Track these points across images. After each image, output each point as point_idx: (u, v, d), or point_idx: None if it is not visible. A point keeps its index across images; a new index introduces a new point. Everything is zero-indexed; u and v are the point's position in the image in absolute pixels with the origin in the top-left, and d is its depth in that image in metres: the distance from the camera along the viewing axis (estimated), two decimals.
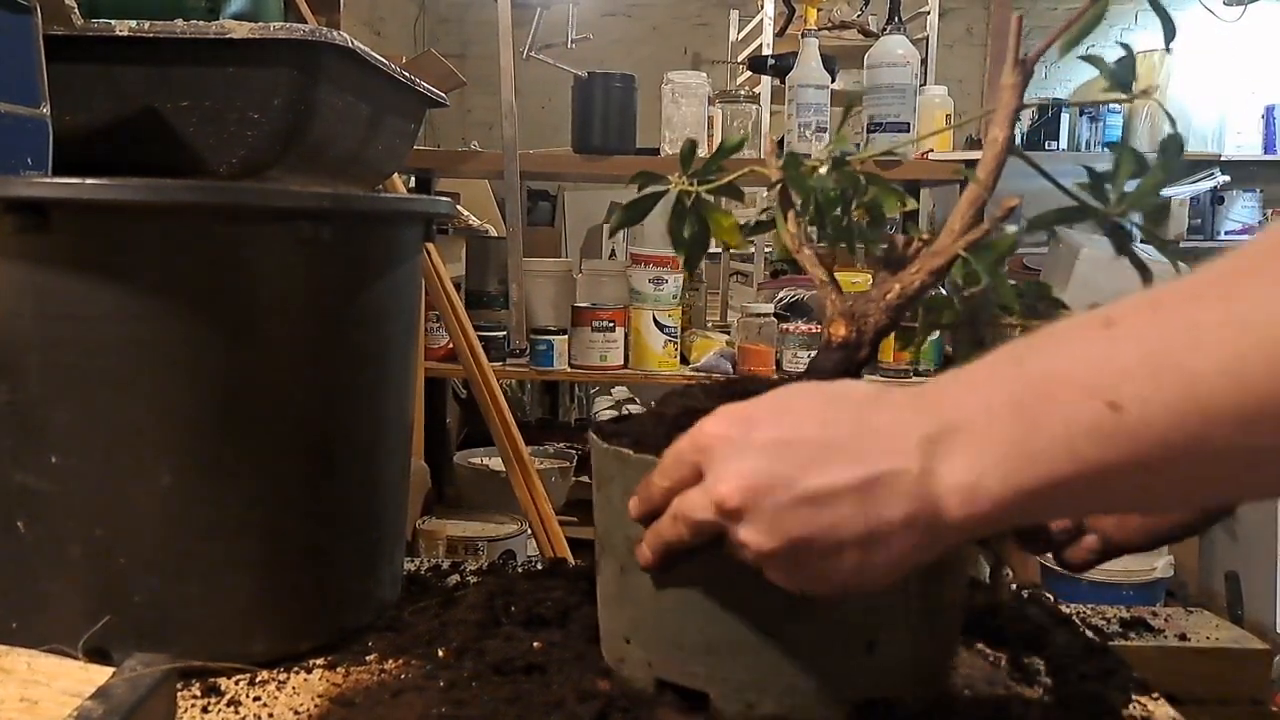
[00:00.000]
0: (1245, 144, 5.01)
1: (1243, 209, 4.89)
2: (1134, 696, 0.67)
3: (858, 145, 2.24)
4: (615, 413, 3.74)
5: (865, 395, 0.49)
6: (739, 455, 0.49)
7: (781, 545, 0.48)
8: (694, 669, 0.59)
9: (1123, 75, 0.57)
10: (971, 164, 0.63)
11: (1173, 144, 0.58)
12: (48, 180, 0.67)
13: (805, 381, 0.53)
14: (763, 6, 3.43)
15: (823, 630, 0.57)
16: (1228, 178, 4.44)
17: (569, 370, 2.27)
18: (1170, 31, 0.56)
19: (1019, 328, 0.65)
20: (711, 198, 0.68)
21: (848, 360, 0.63)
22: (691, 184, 0.67)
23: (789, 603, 0.54)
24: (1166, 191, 4.29)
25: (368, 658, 0.70)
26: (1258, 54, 4.93)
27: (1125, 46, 0.57)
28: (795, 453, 0.47)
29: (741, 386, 0.63)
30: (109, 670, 0.51)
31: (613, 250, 2.87)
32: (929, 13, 3.42)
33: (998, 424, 0.44)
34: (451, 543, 2.04)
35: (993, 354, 0.46)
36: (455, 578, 0.85)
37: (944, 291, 0.67)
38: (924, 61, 3.09)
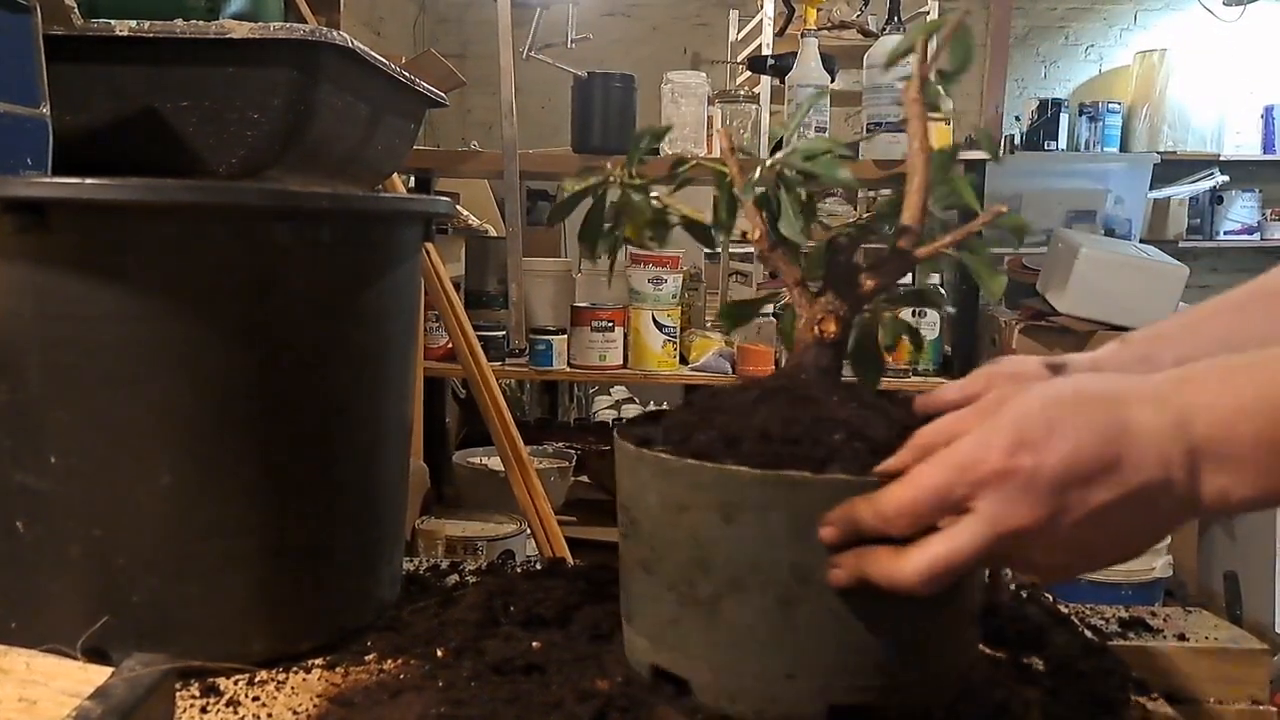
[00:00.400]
0: (1244, 144, 5.01)
1: (1242, 209, 4.90)
2: (1133, 696, 0.67)
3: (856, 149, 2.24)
4: (615, 413, 3.74)
5: (1109, 396, 0.52)
6: (1033, 487, 0.50)
7: (1070, 555, 0.52)
8: (872, 684, 0.58)
9: (931, 94, 0.64)
10: (970, 164, 0.65)
11: (942, 157, 0.65)
12: (47, 180, 0.67)
13: (1038, 388, 0.53)
14: (762, 6, 3.42)
15: (963, 610, 0.61)
16: (1227, 178, 4.45)
17: (568, 370, 2.27)
18: (963, 61, 0.62)
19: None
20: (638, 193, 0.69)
21: (839, 355, 0.65)
22: (631, 177, 0.68)
23: (951, 592, 0.57)
24: (1165, 192, 4.30)
25: (367, 658, 0.70)
26: (1257, 54, 4.93)
27: (941, 73, 0.64)
28: (1083, 474, 0.50)
29: (793, 389, 0.63)
30: (108, 670, 0.51)
31: None
32: (928, 13, 3.42)
33: (1256, 454, 0.49)
34: (450, 542, 2.04)
35: (1227, 363, 0.52)
36: (454, 578, 0.85)
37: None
38: None
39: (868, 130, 2.29)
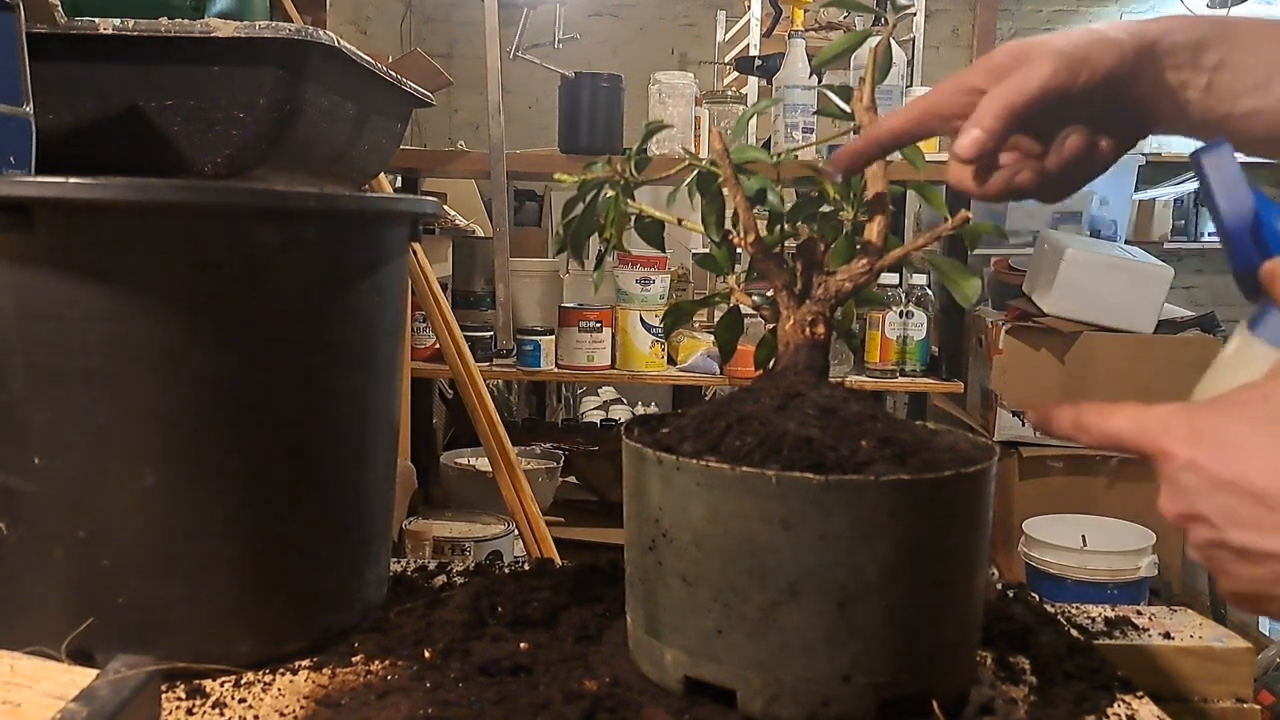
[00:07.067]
0: None
1: None
2: (1118, 695, 0.68)
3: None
4: (603, 414, 3.73)
5: None
6: (1179, 478, 0.48)
7: (1205, 566, 0.49)
8: (920, 676, 0.60)
9: (844, 99, 0.71)
10: None
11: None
12: (31, 179, 0.67)
13: (1248, 397, 0.48)
14: (749, 7, 3.44)
15: (980, 598, 0.65)
16: None
17: (556, 371, 2.27)
18: (884, 73, 0.71)
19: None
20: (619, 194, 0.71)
21: (827, 355, 0.68)
22: (625, 172, 0.69)
23: (978, 580, 0.63)
24: (1150, 194, 4.33)
25: (353, 659, 0.69)
26: None
27: (844, 87, 0.72)
28: (1231, 498, 0.46)
29: (787, 387, 0.65)
30: (92, 672, 0.51)
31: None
32: (915, 14, 3.43)
33: None
34: (438, 543, 2.03)
35: None
36: (441, 578, 0.85)
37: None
38: (910, 63, 3.10)
39: (854, 132, 2.30)
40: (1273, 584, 0.46)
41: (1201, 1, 4.33)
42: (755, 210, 0.68)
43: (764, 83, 3.10)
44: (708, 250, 0.72)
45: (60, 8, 0.78)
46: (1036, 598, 0.84)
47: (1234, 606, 0.52)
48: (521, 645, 0.69)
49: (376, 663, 0.69)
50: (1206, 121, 0.62)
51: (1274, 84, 0.60)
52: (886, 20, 0.71)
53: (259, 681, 0.66)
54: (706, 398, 2.65)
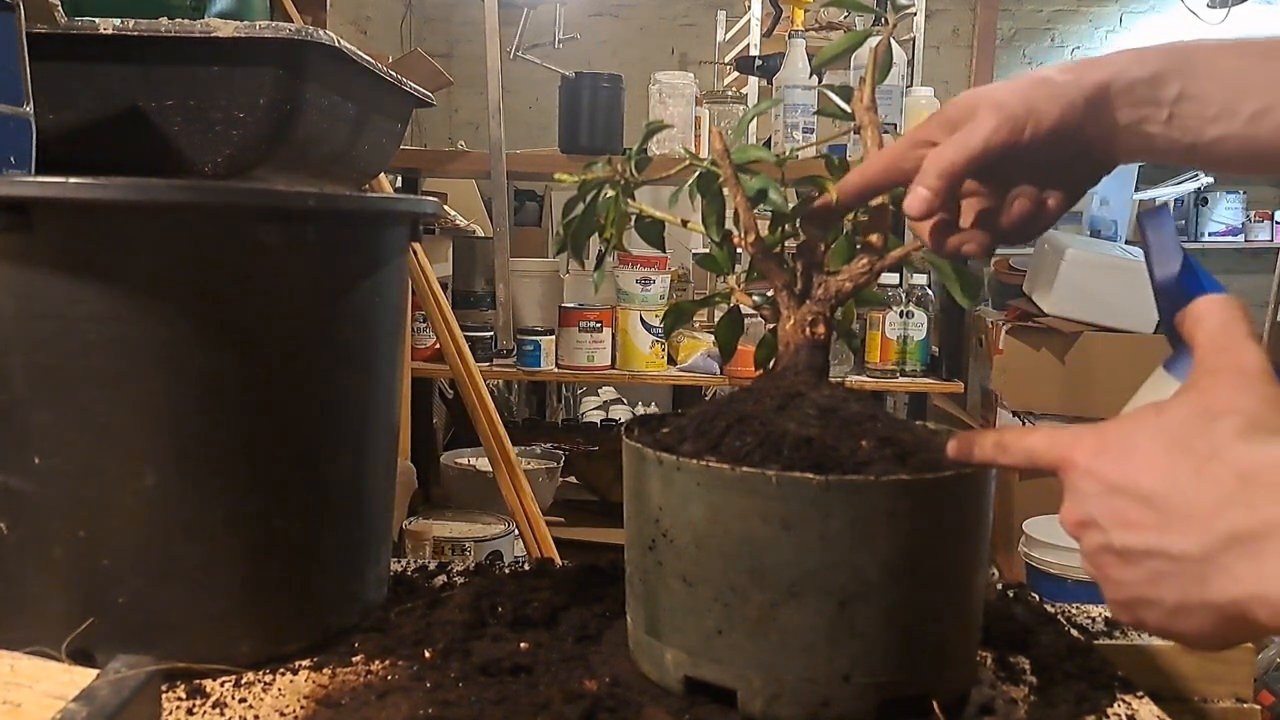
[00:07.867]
0: None
1: (1226, 210, 4.93)
2: (1118, 695, 0.68)
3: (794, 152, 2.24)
4: (603, 414, 3.73)
5: (1206, 453, 0.47)
6: (1078, 484, 0.51)
7: (1094, 576, 0.51)
8: (919, 676, 0.60)
9: (844, 99, 0.72)
10: None
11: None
12: (31, 179, 0.67)
13: (1147, 413, 0.50)
14: (750, 7, 3.44)
15: (980, 598, 0.65)
16: (1211, 179, 4.47)
17: (556, 371, 2.27)
18: (884, 72, 0.71)
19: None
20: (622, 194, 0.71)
21: (827, 354, 0.68)
22: (625, 172, 0.70)
23: (978, 581, 0.63)
24: (1150, 194, 4.33)
25: (353, 659, 0.69)
26: None
27: (844, 87, 0.73)
28: (1120, 500, 0.48)
29: (787, 387, 0.65)
30: (93, 672, 0.51)
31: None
32: (915, 14, 3.42)
33: None
34: (438, 543, 2.03)
35: None
36: (442, 578, 0.85)
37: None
38: (910, 63, 3.10)
39: (854, 133, 2.29)
40: (1147, 585, 0.47)
41: (1202, 1, 4.34)
42: (756, 210, 0.68)
43: (764, 83, 3.10)
44: (708, 250, 0.72)
45: (60, 8, 0.78)
46: (1036, 598, 0.84)
47: (1117, 619, 0.54)
48: (521, 645, 0.69)
49: (376, 663, 0.69)
50: (1172, 151, 0.62)
51: (1239, 107, 0.60)
52: (886, 20, 0.70)
53: (259, 681, 0.66)
54: (706, 398, 2.65)
